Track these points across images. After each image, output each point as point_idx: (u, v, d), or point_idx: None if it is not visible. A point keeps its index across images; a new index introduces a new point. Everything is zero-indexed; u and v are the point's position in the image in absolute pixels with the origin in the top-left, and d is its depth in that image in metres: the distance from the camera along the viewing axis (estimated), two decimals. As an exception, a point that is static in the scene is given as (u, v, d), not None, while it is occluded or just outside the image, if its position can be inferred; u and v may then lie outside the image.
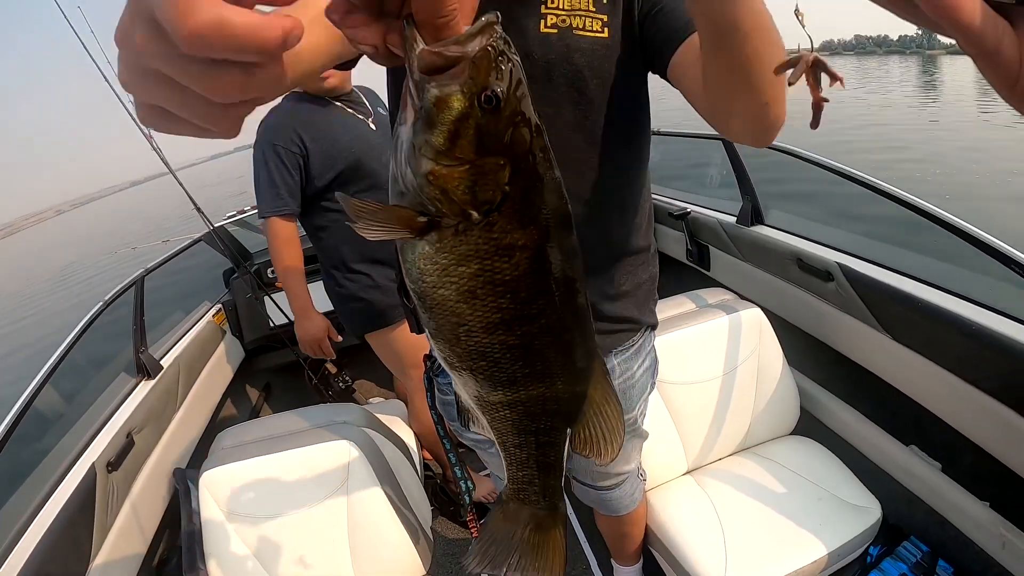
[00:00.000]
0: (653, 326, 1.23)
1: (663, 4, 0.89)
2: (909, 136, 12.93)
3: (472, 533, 1.63)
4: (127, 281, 2.56)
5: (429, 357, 1.25)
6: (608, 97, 0.95)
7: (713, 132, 1.09)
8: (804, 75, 0.49)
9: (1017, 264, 1.38)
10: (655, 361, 1.30)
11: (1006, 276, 1.45)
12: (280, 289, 3.18)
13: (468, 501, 1.37)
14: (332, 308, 2.13)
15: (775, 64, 0.54)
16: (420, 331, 1.23)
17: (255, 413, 3.16)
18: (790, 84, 0.50)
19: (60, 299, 14.51)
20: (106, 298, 2.40)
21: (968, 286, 1.61)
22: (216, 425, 2.75)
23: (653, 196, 1.19)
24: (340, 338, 2.10)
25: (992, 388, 1.45)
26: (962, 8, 0.28)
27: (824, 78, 0.49)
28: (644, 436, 1.40)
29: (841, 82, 0.48)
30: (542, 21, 0.88)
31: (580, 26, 0.89)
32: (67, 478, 1.70)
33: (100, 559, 1.64)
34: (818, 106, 0.49)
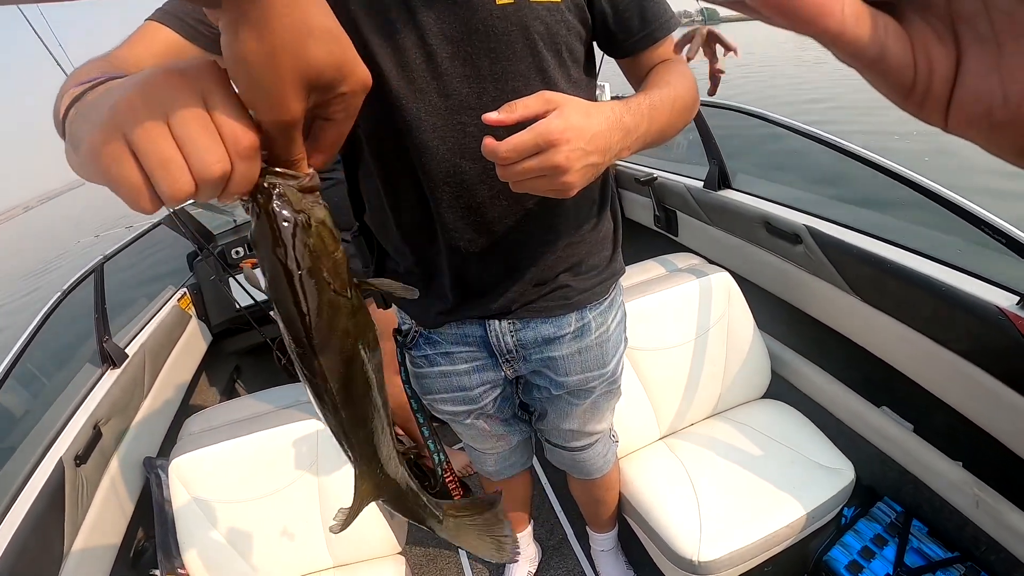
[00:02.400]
0: (621, 272, 1.24)
1: None
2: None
3: (453, 493, 1.61)
4: (85, 269, 2.49)
5: (399, 331, 1.23)
6: (566, 63, 0.93)
7: None
8: (700, 48, 0.49)
9: (987, 225, 1.37)
10: (624, 315, 1.30)
11: (979, 239, 1.44)
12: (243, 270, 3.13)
13: (441, 472, 1.37)
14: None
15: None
16: (387, 306, 1.22)
17: (225, 396, 3.12)
18: (688, 60, 0.50)
19: (31, 297, 14.23)
20: (64, 287, 2.33)
21: (931, 243, 1.61)
22: (186, 411, 2.71)
23: (618, 162, 1.19)
24: None
25: (962, 349, 1.45)
26: (828, 15, 0.22)
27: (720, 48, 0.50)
28: (618, 396, 1.39)
29: (736, 52, 0.49)
30: None
31: None
32: (34, 476, 1.65)
33: (73, 556, 1.60)
34: (715, 76, 0.51)
